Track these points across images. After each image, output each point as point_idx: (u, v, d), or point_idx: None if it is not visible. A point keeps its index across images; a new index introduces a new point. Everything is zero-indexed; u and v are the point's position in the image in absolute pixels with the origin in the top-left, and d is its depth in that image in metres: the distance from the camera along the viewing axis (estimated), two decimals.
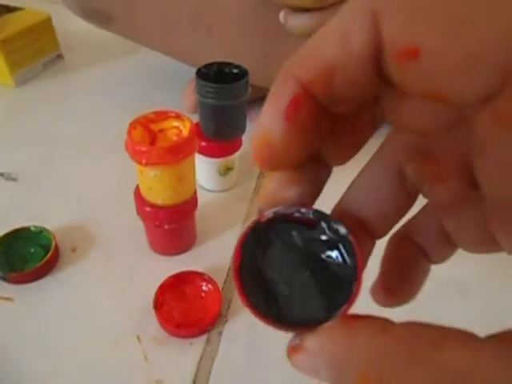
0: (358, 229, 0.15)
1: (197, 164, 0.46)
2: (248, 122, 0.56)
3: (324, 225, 0.14)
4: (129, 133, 0.33)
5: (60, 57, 0.73)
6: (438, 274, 0.42)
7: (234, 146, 0.44)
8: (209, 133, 0.42)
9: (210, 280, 0.37)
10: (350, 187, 0.16)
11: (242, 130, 0.43)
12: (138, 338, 0.34)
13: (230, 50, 0.50)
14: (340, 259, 0.14)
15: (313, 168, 0.15)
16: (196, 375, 0.32)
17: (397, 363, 0.11)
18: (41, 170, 0.50)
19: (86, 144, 0.54)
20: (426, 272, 0.17)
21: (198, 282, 0.37)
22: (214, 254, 0.41)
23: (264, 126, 0.13)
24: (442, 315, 0.37)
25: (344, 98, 0.12)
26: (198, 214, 0.41)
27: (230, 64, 0.41)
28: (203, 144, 0.43)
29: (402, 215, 0.16)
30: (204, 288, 0.37)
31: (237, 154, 0.45)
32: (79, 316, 0.35)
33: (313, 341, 0.13)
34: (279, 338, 0.34)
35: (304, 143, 0.13)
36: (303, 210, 0.14)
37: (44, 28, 0.68)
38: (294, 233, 0.15)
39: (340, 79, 0.12)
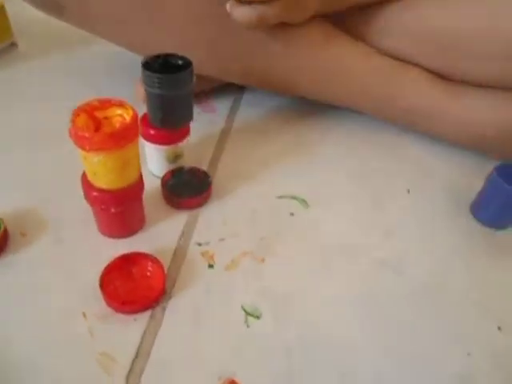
0: None
1: (147, 152, 0.48)
2: (200, 111, 0.58)
3: None
4: (72, 120, 0.34)
5: (14, 45, 0.73)
6: (374, 254, 0.46)
7: (182, 133, 0.46)
8: (156, 122, 0.44)
9: (155, 260, 0.39)
10: None
11: (189, 118, 0.45)
12: (84, 314, 0.36)
13: (180, 39, 0.52)
14: None
15: None
16: (139, 347, 0.35)
17: None
18: None
19: (37, 131, 0.55)
20: None
21: (144, 262, 0.39)
22: (162, 236, 0.43)
23: None
24: (378, 292, 0.41)
25: None
26: (147, 199, 0.43)
27: (175, 55, 0.43)
28: (151, 132, 0.45)
29: None
30: (150, 268, 0.39)
31: (185, 141, 0.47)
32: (28, 297, 0.37)
33: None
34: (220, 312, 0.37)
35: None
36: None
37: None
38: None
39: None
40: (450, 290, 0.41)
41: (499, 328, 0.38)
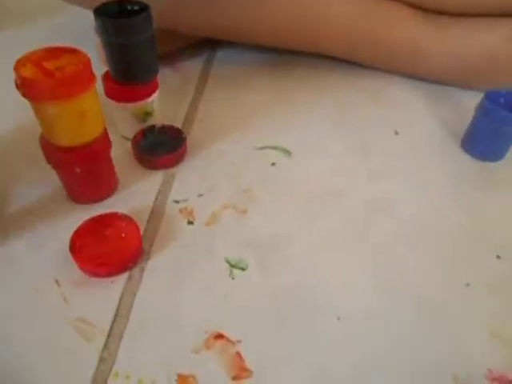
0: None
1: (115, 113, 0.44)
2: (171, 72, 0.55)
3: None
4: (17, 70, 0.31)
5: None
6: (363, 196, 0.43)
7: (149, 88, 0.43)
8: (117, 75, 0.41)
9: (129, 220, 0.36)
10: None
11: (154, 70, 0.42)
12: (57, 281, 0.34)
13: None
14: None
15: None
16: (117, 310, 0.32)
17: None
18: None
19: None
20: None
21: (118, 223, 0.37)
22: (137, 197, 0.40)
23: None
24: (369, 233, 0.38)
25: None
26: (119, 163, 0.40)
27: (130, 1, 0.40)
28: (115, 88, 0.41)
29: None
30: (124, 229, 0.36)
31: (153, 97, 0.44)
32: None
33: None
34: (203, 268, 0.35)
35: None
36: None
37: None
38: None
39: None
40: (446, 225, 0.39)
41: (498, 257, 0.36)
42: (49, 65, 0.33)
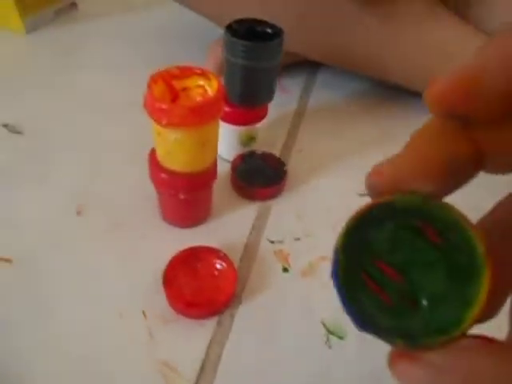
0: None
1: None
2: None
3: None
4: (149, 87, 0.29)
5: (73, 5, 0.68)
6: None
7: (260, 113, 0.40)
8: (234, 97, 0.38)
9: (224, 257, 0.34)
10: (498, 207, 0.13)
11: (270, 96, 0.40)
12: (144, 313, 0.31)
13: (261, 10, 0.46)
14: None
15: (466, 165, 0.12)
16: (205, 359, 0.30)
17: None
18: (48, 125, 0.46)
19: (99, 99, 0.51)
20: None
21: (211, 258, 0.34)
22: (230, 229, 0.38)
23: (481, 62, 0.11)
24: None
25: None
26: (214, 185, 0.38)
27: (263, 22, 0.37)
28: (226, 109, 0.39)
29: None
30: (218, 266, 0.34)
31: (262, 122, 0.41)
32: (81, 284, 0.33)
33: (443, 355, 0.11)
34: (297, 327, 0.32)
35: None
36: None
37: None
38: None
39: None
40: None
41: None
42: (177, 84, 0.31)
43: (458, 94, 0.11)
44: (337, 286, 0.12)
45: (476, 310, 0.11)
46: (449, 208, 0.12)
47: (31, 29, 0.61)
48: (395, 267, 0.13)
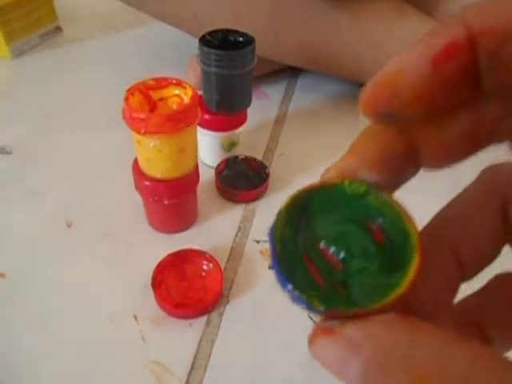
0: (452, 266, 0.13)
1: (199, 139, 0.43)
2: (253, 98, 0.53)
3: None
4: (126, 99, 0.30)
5: (58, 29, 0.70)
6: None
7: (239, 119, 0.42)
8: (212, 104, 0.40)
9: (211, 259, 0.35)
10: (441, 213, 0.14)
11: (248, 102, 0.41)
12: (135, 316, 0.32)
13: (233, 12, 0.47)
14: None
15: (403, 161, 0.13)
16: (195, 358, 0.31)
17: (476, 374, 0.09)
18: (37, 144, 0.48)
19: (84, 118, 0.52)
20: None
21: (198, 260, 0.35)
22: (216, 232, 0.39)
23: (398, 64, 0.11)
24: None
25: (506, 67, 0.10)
26: (199, 191, 0.39)
27: (235, 32, 0.39)
28: (206, 117, 0.40)
29: (496, 256, 0.14)
30: (205, 267, 0.35)
31: (242, 128, 0.43)
32: (73, 292, 0.34)
33: (358, 328, 0.10)
34: (284, 322, 0.33)
35: (432, 100, 0.11)
36: None
37: None
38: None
39: None
40: None
41: None
42: (154, 95, 0.33)
43: (379, 95, 0.12)
44: (271, 240, 0.12)
45: (399, 290, 0.11)
46: (391, 201, 0.13)
47: (17, 54, 0.63)
48: (336, 254, 0.13)
